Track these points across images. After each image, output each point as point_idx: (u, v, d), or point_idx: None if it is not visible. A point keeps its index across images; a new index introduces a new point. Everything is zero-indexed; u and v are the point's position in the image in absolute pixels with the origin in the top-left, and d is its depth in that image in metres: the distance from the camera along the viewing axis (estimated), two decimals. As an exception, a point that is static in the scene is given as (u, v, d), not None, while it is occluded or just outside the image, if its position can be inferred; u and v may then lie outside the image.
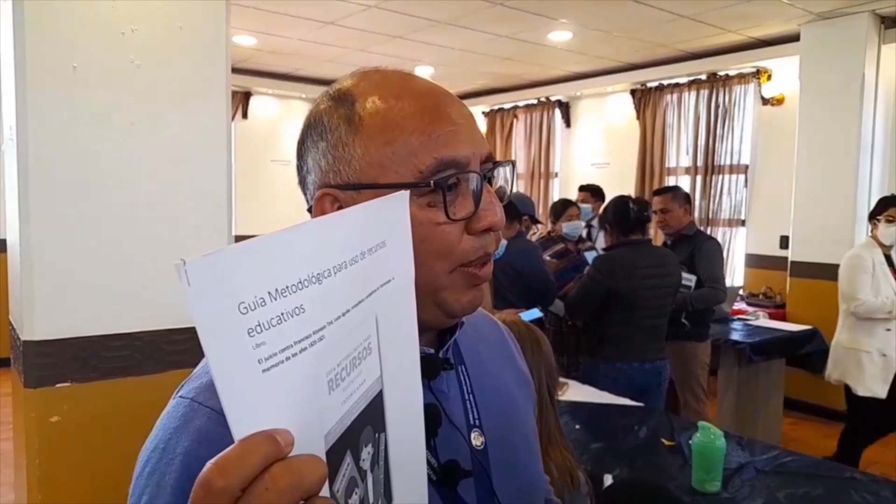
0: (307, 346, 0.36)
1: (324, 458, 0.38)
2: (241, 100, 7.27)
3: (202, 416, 0.53)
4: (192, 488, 0.34)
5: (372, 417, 0.45)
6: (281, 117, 7.72)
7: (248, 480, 0.33)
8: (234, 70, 2.24)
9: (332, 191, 0.62)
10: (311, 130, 0.64)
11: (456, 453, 0.65)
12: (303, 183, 0.67)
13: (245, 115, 7.36)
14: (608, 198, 3.25)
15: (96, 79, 1.95)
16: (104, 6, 1.95)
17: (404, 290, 0.48)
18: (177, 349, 2.10)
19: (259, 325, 0.33)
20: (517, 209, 3.30)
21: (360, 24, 5.06)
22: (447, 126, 0.60)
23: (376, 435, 0.46)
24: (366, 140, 0.60)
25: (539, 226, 3.72)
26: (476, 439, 0.68)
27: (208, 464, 0.33)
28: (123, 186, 2.01)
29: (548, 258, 3.77)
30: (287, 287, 0.35)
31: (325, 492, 0.37)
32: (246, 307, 0.33)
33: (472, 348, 0.75)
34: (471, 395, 0.70)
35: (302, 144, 0.66)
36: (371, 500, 0.45)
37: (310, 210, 0.66)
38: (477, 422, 0.69)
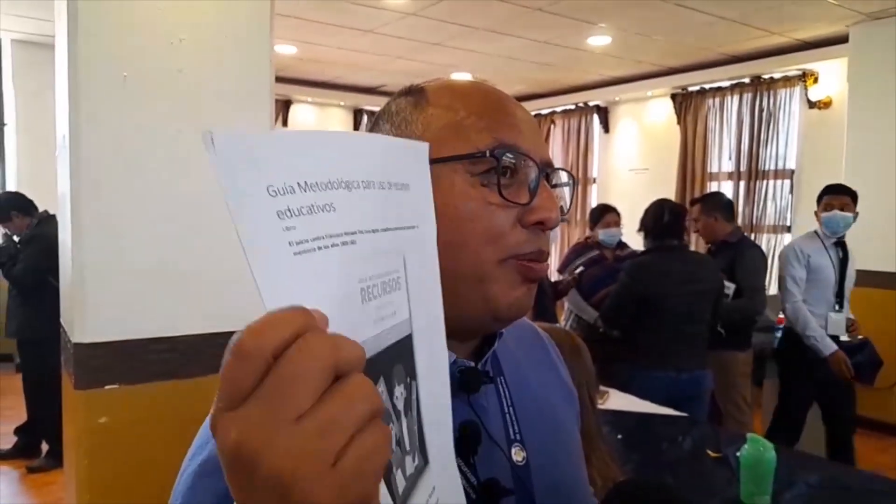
0: (339, 244, 0.36)
1: None
2: (282, 108, 7.40)
3: None
4: (224, 357, 0.32)
5: (403, 358, 0.44)
6: (320, 125, 7.83)
7: (282, 347, 0.31)
8: (275, 79, 2.28)
9: None
10: (379, 119, 0.65)
11: (496, 471, 0.61)
12: None
13: (285, 124, 7.48)
14: (647, 203, 3.18)
15: (145, 88, 2.00)
16: (154, 17, 2.00)
17: (427, 243, 0.47)
18: (220, 353, 2.10)
19: (289, 210, 0.33)
20: None
21: (398, 32, 5.10)
22: (511, 119, 0.60)
23: (408, 379, 0.44)
24: (428, 118, 0.60)
25: None
26: (517, 455, 0.64)
27: (238, 332, 0.32)
28: (170, 194, 2.06)
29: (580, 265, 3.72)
30: (317, 183, 0.35)
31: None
32: (275, 191, 0.33)
33: (511, 357, 0.71)
34: (510, 409, 0.67)
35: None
36: (407, 447, 0.43)
37: None
38: (517, 436, 0.65)
